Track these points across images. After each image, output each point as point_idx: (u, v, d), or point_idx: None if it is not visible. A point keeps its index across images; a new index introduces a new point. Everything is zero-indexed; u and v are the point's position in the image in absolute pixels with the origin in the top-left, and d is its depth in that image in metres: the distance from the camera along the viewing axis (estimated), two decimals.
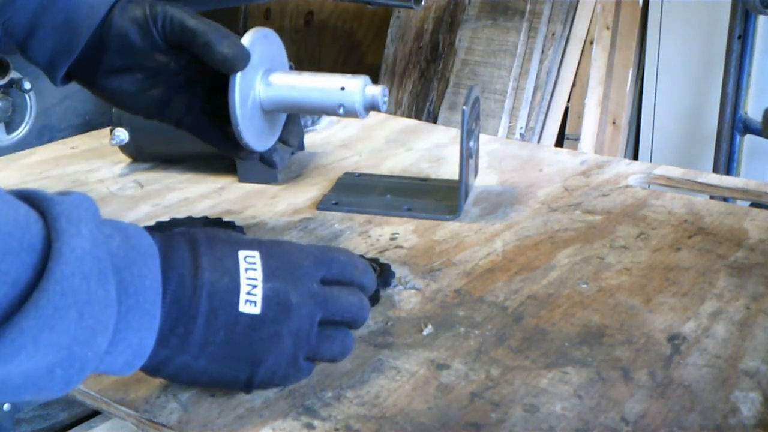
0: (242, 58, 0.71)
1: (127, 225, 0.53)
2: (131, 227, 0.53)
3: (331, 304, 0.59)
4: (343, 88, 0.75)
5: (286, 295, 0.56)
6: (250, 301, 0.55)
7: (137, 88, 0.74)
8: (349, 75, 0.76)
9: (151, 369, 0.55)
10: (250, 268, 0.56)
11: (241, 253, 0.56)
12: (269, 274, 0.56)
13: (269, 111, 0.77)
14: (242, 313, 0.55)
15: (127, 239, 0.51)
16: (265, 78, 0.76)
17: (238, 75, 0.71)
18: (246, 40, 0.73)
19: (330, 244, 0.83)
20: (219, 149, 0.78)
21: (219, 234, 0.58)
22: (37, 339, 0.45)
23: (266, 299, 0.55)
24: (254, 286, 0.55)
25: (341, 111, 0.75)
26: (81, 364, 0.47)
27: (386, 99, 0.76)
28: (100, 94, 0.76)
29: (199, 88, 0.76)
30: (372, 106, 0.76)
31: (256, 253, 0.57)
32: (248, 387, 0.58)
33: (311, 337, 0.58)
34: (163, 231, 0.57)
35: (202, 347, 0.54)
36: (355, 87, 0.75)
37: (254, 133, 0.75)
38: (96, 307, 0.47)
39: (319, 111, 0.77)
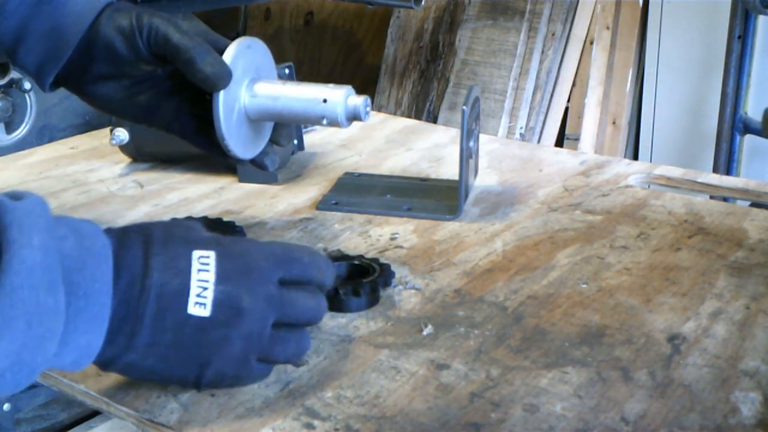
0: (223, 77, 0.72)
1: (83, 224, 0.53)
2: (86, 226, 0.53)
3: (287, 307, 0.58)
4: (325, 100, 0.76)
5: (237, 299, 0.56)
6: (200, 303, 0.55)
7: (125, 95, 0.75)
8: (332, 85, 0.77)
9: (100, 365, 0.56)
10: (203, 269, 0.56)
11: (195, 254, 0.56)
12: (222, 276, 0.56)
13: (255, 120, 0.78)
14: (191, 315, 0.55)
15: (81, 240, 0.52)
16: (250, 88, 0.76)
17: (221, 93, 0.73)
18: (229, 53, 0.74)
19: (330, 244, 0.83)
20: (209, 153, 0.78)
21: (176, 231, 0.58)
22: None
23: (216, 302, 0.55)
24: (205, 288, 0.55)
25: (324, 122, 0.77)
26: (30, 368, 0.49)
27: (369, 109, 0.77)
28: (88, 100, 0.77)
29: (187, 93, 0.76)
30: (354, 117, 0.77)
31: (212, 254, 0.56)
32: (197, 386, 0.58)
33: (263, 339, 0.57)
34: (124, 228, 0.57)
35: (149, 347, 0.55)
36: (337, 98, 0.76)
37: (241, 142, 0.76)
38: (45, 316, 0.48)
39: (302, 121, 0.79)
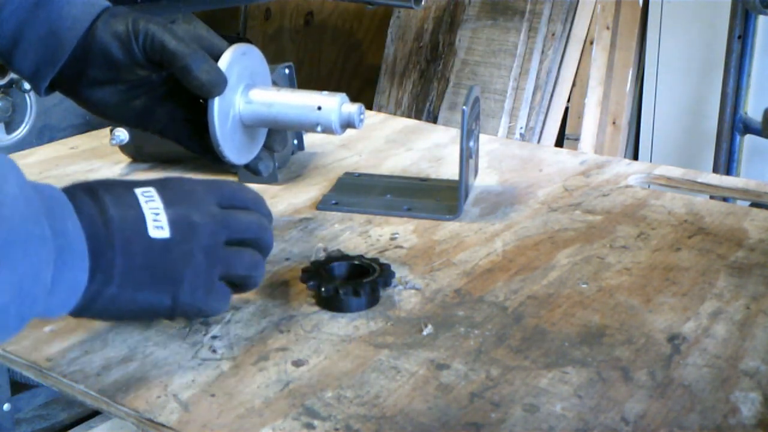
0: (218, 84, 0.73)
1: (34, 182, 0.57)
2: (38, 183, 0.57)
3: (232, 223, 0.65)
4: (320, 108, 0.77)
5: (189, 217, 0.62)
6: (158, 226, 0.60)
7: (120, 99, 0.76)
8: (327, 93, 0.78)
9: (80, 308, 0.59)
10: (149, 200, 0.61)
11: (137, 190, 0.62)
12: (168, 202, 0.62)
13: (250, 126, 0.78)
14: (153, 239, 0.60)
15: (40, 192, 0.55)
16: (245, 94, 0.77)
17: (216, 99, 0.73)
18: (224, 60, 0.74)
19: (330, 244, 0.83)
20: (204, 159, 0.79)
21: (111, 180, 0.63)
22: None
23: (172, 223, 0.61)
24: (158, 214, 0.61)
25: (319, 129, 0.77)
26: (31, 299, 0.52)
27: (363, 117, 0.78)
28: (83, 104, 0.77)
29: (182, 98, 0.77)
30: (348, 124, 0.78)
31: (151, 188, 0.62)
32: (173, 311, 0.62)
33: (220, 253, 0.63)
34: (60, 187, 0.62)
35: (124, 276, 0.59)
36: (331, 105, 0.77)
37: (235, 148, 0.77)
38: (37, 244, 0.52)
39: (297, 128, 0.79)
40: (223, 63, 0.74)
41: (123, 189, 0.62)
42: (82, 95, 0.76)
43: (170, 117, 0.78)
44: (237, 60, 0.76)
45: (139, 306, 0.61)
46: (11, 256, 0.50)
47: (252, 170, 0.81)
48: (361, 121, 0.78)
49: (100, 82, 0.75)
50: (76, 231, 0.56)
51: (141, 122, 0.78)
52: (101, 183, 0.62)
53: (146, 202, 0.61)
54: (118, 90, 0.75)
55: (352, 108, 0.77)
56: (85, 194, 0.60)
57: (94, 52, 0.73)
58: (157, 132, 0.78)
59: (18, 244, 0.50)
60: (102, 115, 0.78)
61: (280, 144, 0.84)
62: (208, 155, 0.78)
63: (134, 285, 0.60)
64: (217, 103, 0.73)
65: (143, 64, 0.73)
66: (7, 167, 0.53)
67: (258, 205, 0.69)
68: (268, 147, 0.82)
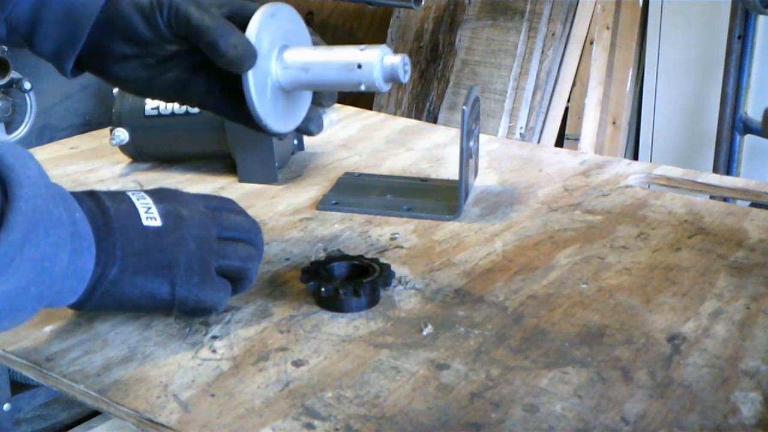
0: (248, 58, 0.68)
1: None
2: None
3: (222, 219, 0.69)
4: (360, 65, 0.71)
5: (178, 210, 0.66)
6: (150, 217, 0.65)
7: (150, 74, 0.72)
8: (366, 47, 0.71)
9: (85, 296, 0.62)
10: (141, 198, 0.66)
11: (129, 193, 0.66)
12: (158, 199, 0.67)
13: (290, 90, 0.73)
14: (147, 227, 0.64)
15: (49, 187, 0.57)
16: (281, 59, 0.72)
17: (250, 72, 0.69)
18: (252, 29, 0.69)
19: (330, 244, 0.83)
20: (248, 128, 0.74)
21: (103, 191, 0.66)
22: (21, 251, 0.52)
23: (163, 214, 0.65)
24: (149, 208, 0.65)
25: (362, 87, 0.71)
26: (50, 280, 0.55)
27: (408, 68, 0.71)
28: (113, 81, 0.74)
29: (216, 69, 0.71)
30: (392, 78, 0.71)
31: (143, 194, 0.67)
32: (172, 298, 0.65)
33: (213, 245, 0.66)
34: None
35: (124, 258, 0.62)
36: (372, 61, 0.70)
37: (280, 116, 0.73)
38: (56, 225, 0.55)
39: (339, 88, 0.74)
40: (251, 32, 0.69)
41: (116, 192, 0.66)
42: (111, 73, 0.73)
43: (207, 88, 0.73)
44: (266, 25, 0.70)
45: (139, 291, 0.64)
46: (36, 233, 0.53)
47: (304, 132, 0.78)
48: (406, 72, 0.71)
49: (126, 57, 0.71)
50: (83, 221, 0.60)
51: (177, 95, 0.74)
52: (93, 190, 0.66)
53: (138, 200, 0.66)
54: (147, 64, 0.71)
55: (395, 60, 0.70)
56: (81, 192, 0.63)
57: (118, 26, 0.70)
58: (196, 104, 0.75)
59: (41, 223, 0.53)
60: (135, 92, 0.75)
61: (329, 99, 0.79)
62: (252, 123, 0.73)
63: (133, 269, 0.63)
64: (251, 77, 0.69)
65: (170, 38, 0.70)
66: (26, 154, 0.55)
67: (245, 218, 0.72)
68: (316, 104, 0.78)
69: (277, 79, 0.72)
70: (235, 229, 0.69)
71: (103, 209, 0.63)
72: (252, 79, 0.69)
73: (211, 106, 0.74)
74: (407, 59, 0.71)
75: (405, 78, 0.71)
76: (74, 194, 0.62)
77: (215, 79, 0.73)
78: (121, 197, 0.65)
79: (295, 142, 1.08)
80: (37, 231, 0.53)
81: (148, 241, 0.64)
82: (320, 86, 0.74)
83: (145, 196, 0.67)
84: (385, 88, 0.72)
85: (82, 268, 0.60)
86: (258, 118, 0.70)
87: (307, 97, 0.76)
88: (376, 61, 0.70)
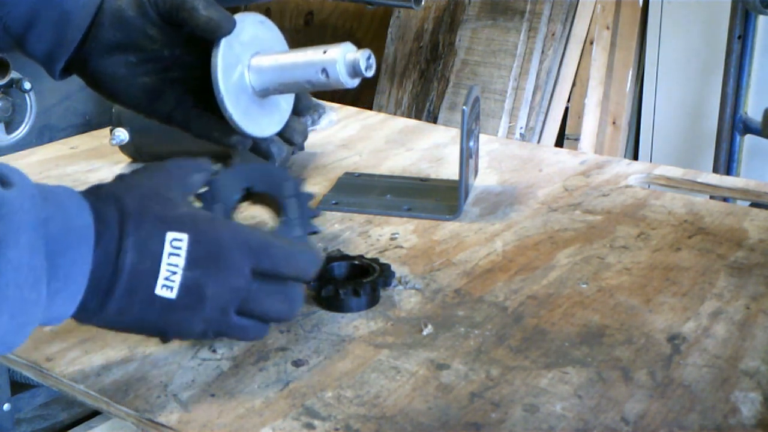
0: (225, 22, 0.70)
1: (70, 201, 0.55)
2: (73, 205, 0.56)
3: (252, 303, 0.60)
4: (323, 63, 0.72)
5: (203, 287, 0.58)
6: (167, 286, 0.57)
7: (129, 73, 0.74)
8: (331, 45, 0.73)
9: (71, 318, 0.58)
10: (174, 253, 0.57)
11: (169, 235, 0.58)
12: (192, 262, 0.58)
13: (262, 94, 0.75)
14: (158, 296, 0.57)
15: (66, 220, 0.54)
16: (251, 64, 0.74)
17: (223, 40, 0.71)
18: (237, 16, 0.72)
19: (330, 244, 0.83)
20: (210, 141, 0.76)
21: (152, 206, 0.59)
22: None
23: (183, 287, 0.57)
24: (174, 273, 0.57)
25: (329, 84, 0.73)
26: (8, 347, 0.52)
27: (372, 62, 0.72)
28: (93, 78, 0.75)
29: (191, 84, 0.75)
30: (356, 73, 0.72)
31: (185, 237, 0.58)
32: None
33: (222, 325, 0.60)
34: (98, 195, 0.58)
35: (117, 316, 0.57)
36: (335, 57, 0.72)
37: (251, 119, 0.74)
38: (28, 309, 0.52)
39: (308, 88, 0.75)
40: (236, 17, 0.72)
41: (155, 229, 0.58)
42: (93, 66, 0.74)
43: (178, 101, 0.75)
44: (251, 22, 0.74)
45: (125, 331, 0.61)
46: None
47: (262, 152, 0.77)
48: (370, 67, 0.72)
49: (110, 47, 0.73)
50: (81, 275, 0.55)
51: (148, 104, 0.75)
52: (137, 210, 0.58)
53: (170, 255, 0.57)
54: (128, 60, 0.73)
55: (357, 54, 0.71)
56: (114, 224, 0.57)
57: (106, 13, 0.72)
58: (164, 117, 0.76)
59: (6, 311, 0.50)
60: (110, 93, 0.75)
61: (299, 135, 0.80)
62: (214, 134, 0.75)
63: (123, 326, 0.59)
64: (222, 45, 0.71)
65: (154, 20, 0.72)
66: (25, 220, 0.51)
67: (300, 272, 0.62)
68: (284, 138, 0.79)
69: (249, 83, 0.74)
70: (265, 312, 0.62)
71: (117, 267, 0.56)
72: (222, 47, 0.71)
73: (178, 121, 0.76)
74: (370, 54, 0.72)
75: (368, 73, 0.72)
76: (103, 223, 0.56)
77: (188, 95, 0.75)
78: (153, 246, 0.57)
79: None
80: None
81: (150, 311, 0.58)
82: (289, 87, 0.75)
83: (182, 248, 0.58)
84: (351, 83, 0.73)
85: (57, 317, 0.55)
86: (230, 118, 0.72)
87: (285, 104, 0.78)
88: (339, 58, 0.72)
